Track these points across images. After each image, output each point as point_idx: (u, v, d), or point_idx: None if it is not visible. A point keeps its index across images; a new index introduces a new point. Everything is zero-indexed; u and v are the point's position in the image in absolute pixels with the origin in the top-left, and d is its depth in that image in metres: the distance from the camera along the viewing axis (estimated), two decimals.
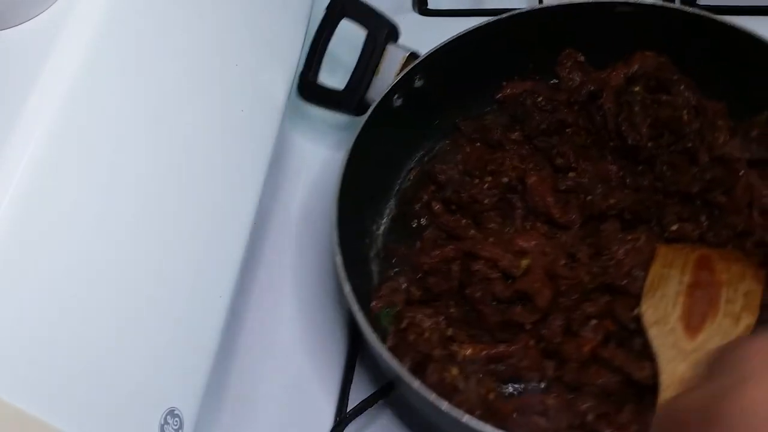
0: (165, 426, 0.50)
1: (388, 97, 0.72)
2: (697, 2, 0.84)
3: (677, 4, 0.79)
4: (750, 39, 0.70)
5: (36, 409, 0.41)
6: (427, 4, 0.89)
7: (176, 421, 0.51)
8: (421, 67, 0.74)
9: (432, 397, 0.55)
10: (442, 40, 0.74)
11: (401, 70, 0.74)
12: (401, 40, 0.76)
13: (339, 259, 0.61)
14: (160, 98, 0.51)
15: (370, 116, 0.70)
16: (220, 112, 0.58)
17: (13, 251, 0.41)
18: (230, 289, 0.59)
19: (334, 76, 0.76)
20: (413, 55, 0.75)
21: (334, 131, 0.80)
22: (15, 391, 0.40)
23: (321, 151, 0.79)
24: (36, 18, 0.45)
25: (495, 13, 0.84)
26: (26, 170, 0.42)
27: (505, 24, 0.75)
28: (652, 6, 0.74)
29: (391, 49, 0.75)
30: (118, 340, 0.47)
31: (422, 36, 0.76)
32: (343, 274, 0.61)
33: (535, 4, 0.86)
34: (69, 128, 0.44)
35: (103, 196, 0.46)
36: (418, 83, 0.74)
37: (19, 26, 0.45)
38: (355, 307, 0.60)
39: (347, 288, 0.60)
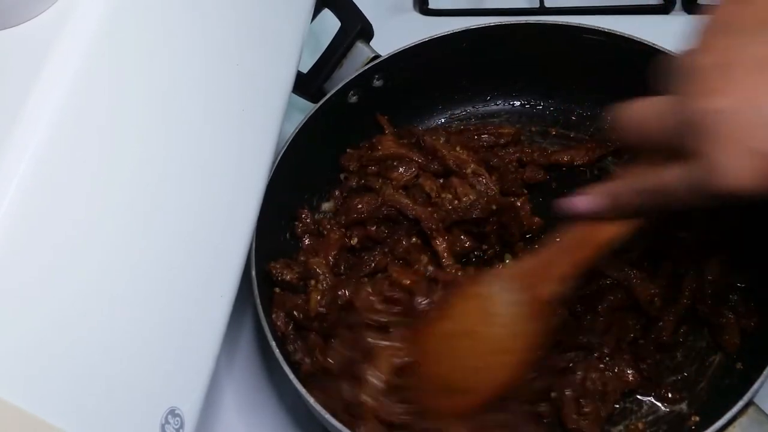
0: (166, 425, 0.50)
1: (344, 90, 0.73)
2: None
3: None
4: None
5: (36, 409, 0.41)
6: (428, 3, 0.89)
7: (177, 420, 0.51)
8: (381, 66, 0.74)
9: None
10: (407, 44, 0.74)
11: (362, 67, 0.74)
12: (397, 40, 0.75)
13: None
14: (161, 98, 0.51)
15: (320, 106, 0.72)
16: (221, 111, 0.58)
17: (13, 251, 0.41)
18: (232, 289, 0.59)
19: (304, 59, 0.74)
20: (378, 58, 0.75)
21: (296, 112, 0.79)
22: (15, 391, 0.40)
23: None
24: (36, 18, 0.45)
25: (495, 13, 0.84)
26: (27, 170, 0.41)
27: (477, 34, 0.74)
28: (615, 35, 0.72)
29: (359, 46, 0.76)
30: (119, 340, 0.47)
31: (423, 36, 0.76)
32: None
33: (536, 4, 0.86)
34: (70, 128, 0.44)
35: (104, 196, 0.46)
36: (377, 83, 0.75)
37: (19, 26, 0.45)
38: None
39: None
